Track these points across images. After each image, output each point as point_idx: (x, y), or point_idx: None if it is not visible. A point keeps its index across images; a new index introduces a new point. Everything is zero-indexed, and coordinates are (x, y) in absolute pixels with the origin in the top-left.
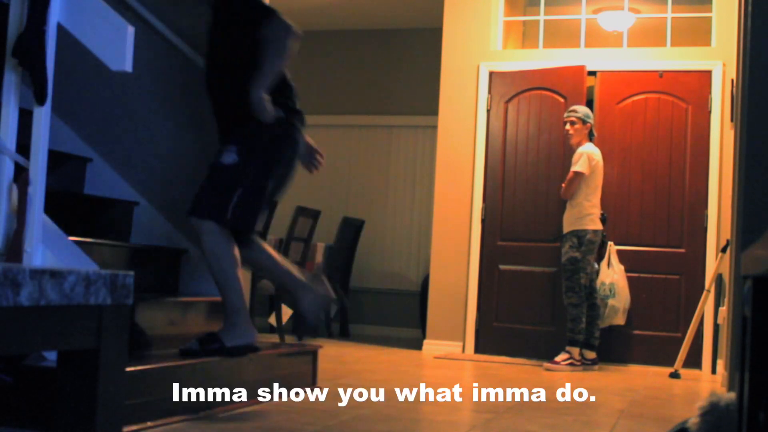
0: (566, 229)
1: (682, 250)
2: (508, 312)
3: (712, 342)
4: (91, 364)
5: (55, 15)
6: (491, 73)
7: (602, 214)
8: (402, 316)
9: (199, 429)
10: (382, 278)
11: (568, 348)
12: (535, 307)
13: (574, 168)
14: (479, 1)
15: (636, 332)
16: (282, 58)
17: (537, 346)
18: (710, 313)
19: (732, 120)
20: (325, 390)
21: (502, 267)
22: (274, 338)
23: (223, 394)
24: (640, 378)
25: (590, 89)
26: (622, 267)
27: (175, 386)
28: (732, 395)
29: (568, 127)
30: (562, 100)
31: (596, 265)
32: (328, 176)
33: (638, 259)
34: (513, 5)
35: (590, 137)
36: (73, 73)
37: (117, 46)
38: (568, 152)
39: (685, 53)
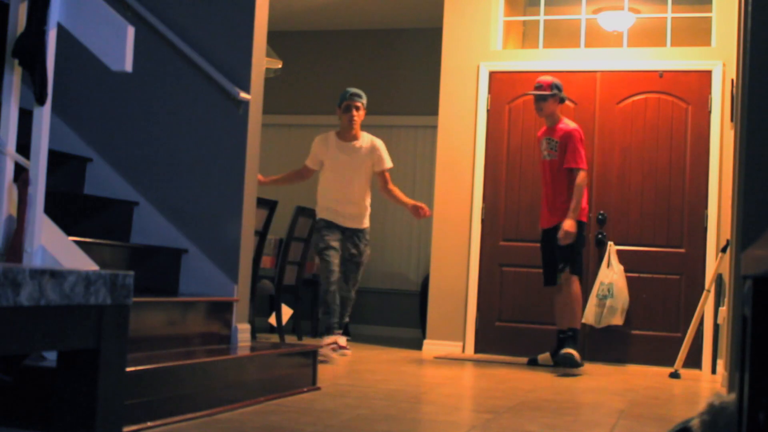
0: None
1: (682, 250)
2: (508, 312)
3: (712, 342)
4: (91, 364)
5: (55, 15)
6: (491, 73)
7: (600, 214)
8: (402, 316)
9: (199, 429)
10: (382, 278)
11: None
12: (535, 307)
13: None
14: (479, 1)
15: (636, 332)
16: None
17: (537, 346)
18: (710, 313)
19: (732, 120)
20: (325, 390)
21: (503, 267)
22: (274, 338)
23: (222, 393)
24: (640, 378)
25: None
26: (621, 267)
27: (175, 386)
28: (731, 396)
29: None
30: (572, 105)
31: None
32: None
33: (638, 259)
34: (513, 5)
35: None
36: (73, 73)
37: (117, 46)
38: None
39: (685, 53)
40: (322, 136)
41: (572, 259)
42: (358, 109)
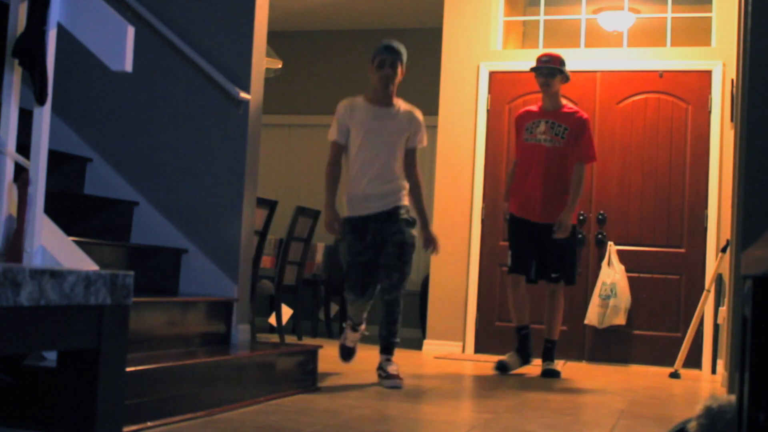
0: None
1: (682, 250)
2: (509, 312)
3: (712, 342)
4: (91, 364)
5: (55, 15)
6: (491, 73)
7: (600, 214)
8: (402, 316)
9: (199, 429)
10: None
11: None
12: (535, 307)
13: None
14: (479, 1)
15: (636, 332)
16: None
17: (537, 346)
18: (710, 313)
19: (732, 120)
20: (325, 390)
21: (503, 267)
22: (274, 338)
23: (222, 393)
24: (640, 378)
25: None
26: (622, 267)
27: (175, 386)
28: (728, 398)
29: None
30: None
31: None
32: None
33: (638, 259)
34: (513, 5)
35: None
36: (73, 73)
37: (117, 46)
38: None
39: (685, 53)
40: (347, 101)
41: (573, 267)
42: (394, 66)
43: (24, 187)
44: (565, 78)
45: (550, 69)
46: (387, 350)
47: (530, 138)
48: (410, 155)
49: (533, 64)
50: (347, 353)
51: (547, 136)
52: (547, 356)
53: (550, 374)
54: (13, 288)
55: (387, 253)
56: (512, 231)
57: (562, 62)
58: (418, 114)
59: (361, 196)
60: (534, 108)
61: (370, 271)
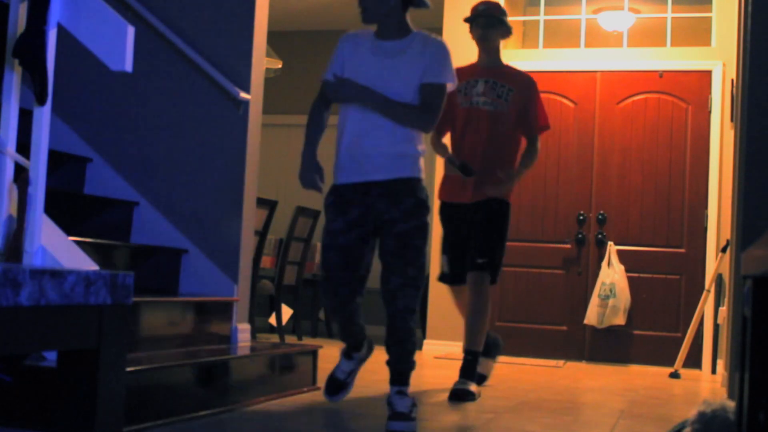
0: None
1: (682, 250)
2: (508, 312)
3: (712, 342)
4: (91, 364)
5: (55, 15)
6: None
7: (600, 214)
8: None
9: (199, 429)
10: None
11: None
12: (535, 307)
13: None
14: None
15: (636, 332)
16: None
17: (536, 346)
18: (710, 313)
19: (732, 120)
20: None
21: (505, 267)
22: (274, 338)
23: (222, 393)
24: (640, 378)
25: None
26: (622, 267)
27: (175, 386)
28: (720, 402)
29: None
30: (572, 105)
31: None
32: (328, 176)
33: (638, 259)
34: (513, 5)
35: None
36: (73, 73)
37: (117, 46)
38: (580, 155)
39: (685, 53)
40: (352, 32)
41: (500, 258)
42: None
43: (24, 187)
44: (507, 31)
45: (488, 19)
46: (397, 379)
47: (465, 102)
48: (422, 93)
49: (534, 64)
50: (334, 387)
51: (488, 98)
52: (467, 372)
53: (461, 396)
54: (13, 288)
55: (385, 247)
56: (447, 226)
57: (502, 12)
58: (436, 41)
59: (355, 155)
60: (467, 66)
61: (352, 259)
